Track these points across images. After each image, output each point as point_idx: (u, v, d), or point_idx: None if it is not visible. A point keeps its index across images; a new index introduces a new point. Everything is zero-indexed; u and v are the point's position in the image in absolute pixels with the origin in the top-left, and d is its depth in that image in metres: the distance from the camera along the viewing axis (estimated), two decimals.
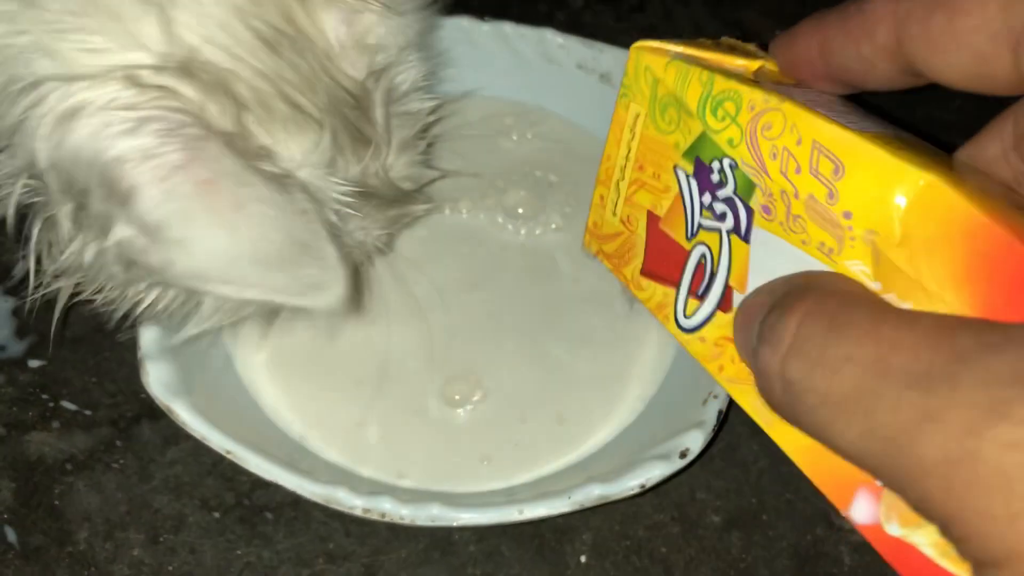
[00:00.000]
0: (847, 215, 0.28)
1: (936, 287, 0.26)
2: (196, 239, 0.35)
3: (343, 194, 0.41)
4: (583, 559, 0.53)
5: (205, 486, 0.53)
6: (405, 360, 0.54)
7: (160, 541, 0.52)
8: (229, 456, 0.44)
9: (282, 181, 0.38)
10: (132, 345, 0.48)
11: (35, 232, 0.41)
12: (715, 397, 0.47)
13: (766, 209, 0.31)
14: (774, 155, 0.30)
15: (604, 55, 0.59)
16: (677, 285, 0.37)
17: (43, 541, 0.51)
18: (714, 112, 0.33)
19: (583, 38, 0.60)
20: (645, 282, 0.39)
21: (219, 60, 0.36)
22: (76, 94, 0.34)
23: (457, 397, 0.53)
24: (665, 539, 0.54)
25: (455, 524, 0.44)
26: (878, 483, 0.27)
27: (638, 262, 0.39)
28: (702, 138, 0.34)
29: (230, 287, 0.36)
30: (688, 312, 0.36)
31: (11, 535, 0.51)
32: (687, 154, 0.35)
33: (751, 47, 0.39)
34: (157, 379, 0.45)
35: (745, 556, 0.54)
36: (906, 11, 0.30)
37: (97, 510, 0.52)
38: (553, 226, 0.58)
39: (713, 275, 0.34)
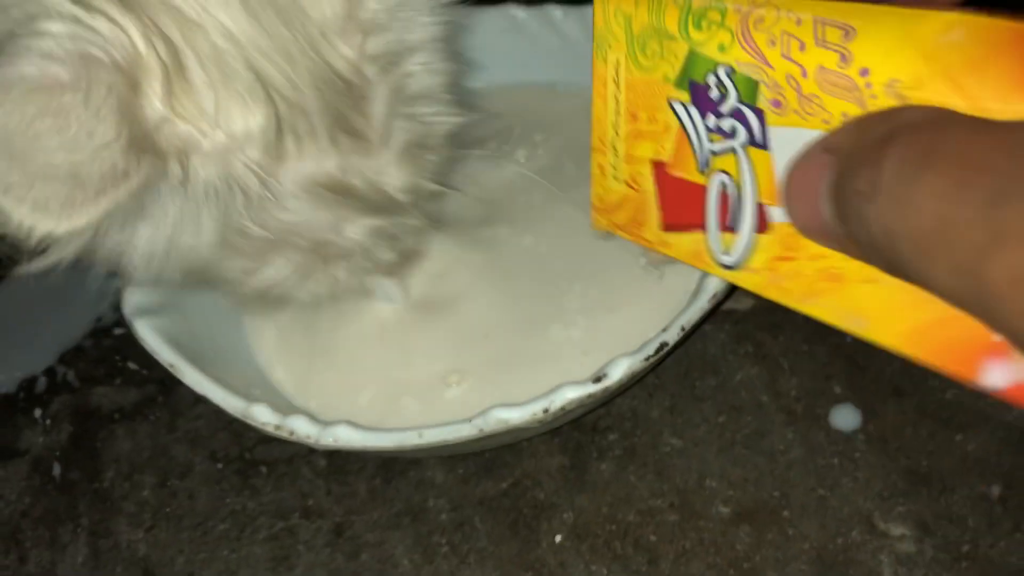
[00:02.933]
0: (864, 72, 0.26)
1: (1000, 103, 0.23)
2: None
3: (287, 181, 0.38)
4: (558, 539, 0.47)
5: (217, 439, 0.55)
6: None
7: (167, 485, 0.54)
8: (172, 370, 0.46)
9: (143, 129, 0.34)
10: None
11: None
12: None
13: (776, 104, 0.29)
14: (772, 42, 0.29)
15: None
16: (703, 227, 0.34)
17: (78, 477, 0.56)
18: (697, 26, 0.31)
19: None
20: (671, 237, 0.36)
21: (185, 8, 0.34)
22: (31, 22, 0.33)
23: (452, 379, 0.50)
24: (658, 527, 0.46)
25: (356, 446, 0.41)
26: (996, 339, 0.24)
27: (655, 219, 0.37)
28: (691, 57, 0.32)
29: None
30: (726, 248, 0.33)
31: (56, 469, 0.56)
32: (679, 82, 0.33)
33: None
34: (132, 302, 0.48)
35: (752, 555, 0.44)
36: None
37: (126, 454, 0.56)
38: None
39: (740, 200, 0.32)
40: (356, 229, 0.42)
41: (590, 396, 0.39)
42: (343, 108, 0.38)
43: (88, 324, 0.64)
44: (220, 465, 0.54)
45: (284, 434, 0.43)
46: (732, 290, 0.45)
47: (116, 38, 0.33)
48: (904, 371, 0.49)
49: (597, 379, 0.39)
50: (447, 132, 0.44)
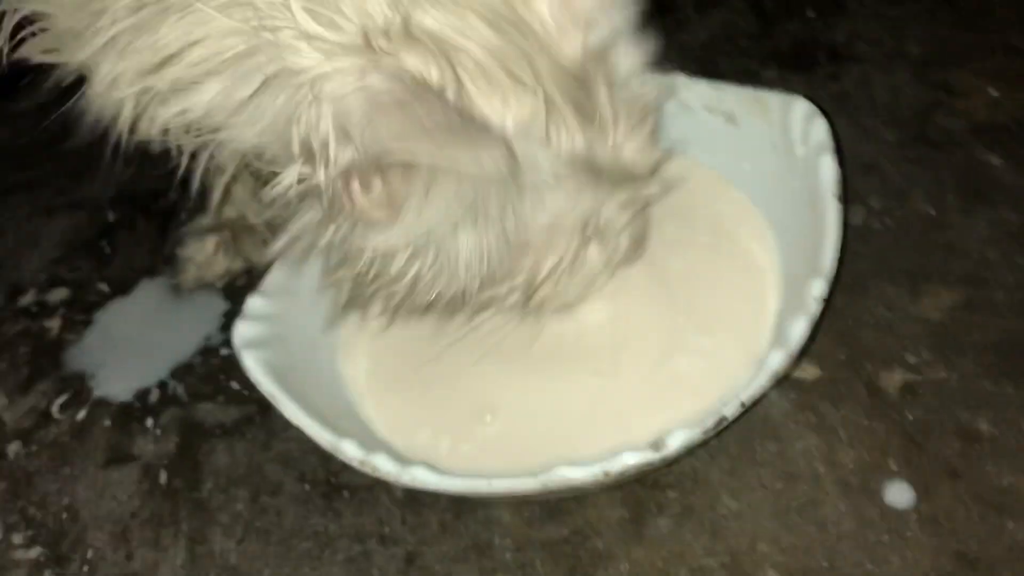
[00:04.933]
0: None
1: None
2: (383, 123, 0.39)
3: (553, 165, 0.44)
4: None
5: (306, 462, 0.60)
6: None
7: (258, 501, 0.59)
8: (271, 399, 0.51)
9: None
10: None
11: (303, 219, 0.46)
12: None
13: None
14: None
15: (727, 95, 0.59)
16: None
17: (181, 485, 0.61)
18: None
19: (709, 80, 0.60)
20: None
21: (448, 36, 0.41)
22: (322, 67, 0.40)
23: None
24: None
25: (430, 487, 0.45)
26: None
27: None
28: None
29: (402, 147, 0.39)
30: None
31: (163, 477, 0.62)
32: None
33: None
34: (241, 335, 0.53)
35: None
36: None
37: (224, 468, 0.61)
38: None
39: None
40: (611, 206, 0.49)
41: (648, 463, 0.42)
42: (578, 97, 0.44)
43: (198, 343, 0.70)
44: (307, 486, 0.59)
45: (368, 469, 0.47)
46: (795, 364, 0.47)
47: (410, 68, 0.41)
48: (962, 453, 0.50)
49: (656, 447, 0.42)
50: (654, 102, 0.49)
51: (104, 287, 0.76)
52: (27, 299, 0.77)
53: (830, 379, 0.55)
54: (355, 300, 0.49)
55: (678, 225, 0.58)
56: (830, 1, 0.79)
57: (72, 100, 0.49)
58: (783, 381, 0.54)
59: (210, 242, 0.73)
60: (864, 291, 0.58)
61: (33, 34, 0.48)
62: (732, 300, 0.55)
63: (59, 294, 0.77)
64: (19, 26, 0.48)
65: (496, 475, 0.44)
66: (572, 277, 0.50)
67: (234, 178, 0.60)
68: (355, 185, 0.41)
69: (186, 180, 0.53)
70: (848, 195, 0.55)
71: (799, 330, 0.46)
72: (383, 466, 0.46)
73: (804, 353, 0.52)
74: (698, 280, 0.56)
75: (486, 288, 0.48)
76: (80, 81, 0.52)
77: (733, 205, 0.60)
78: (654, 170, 0.51)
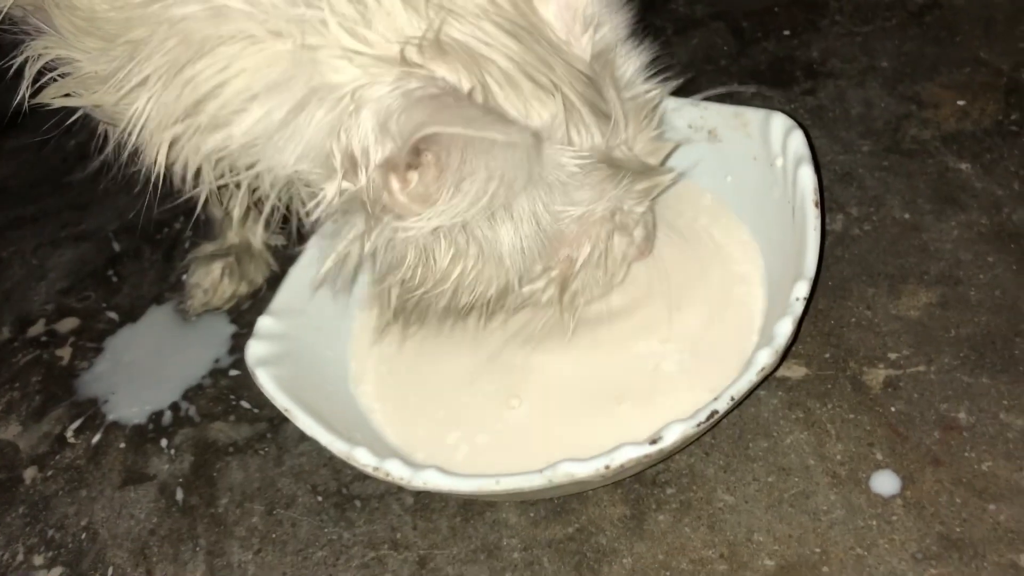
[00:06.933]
0: None
1: None
2: (418, 109, 0.42)
3: (577, 162, 0.47)
4: None
5: (318, 475, 0.62)
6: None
7: (273, 513, 0.61)
8: (286, 414, 0.53)
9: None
10: None
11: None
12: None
13: None
14: None
15: (709, 112, 0.62)
16: None
17: (197, 502, 0.63)
18: None
19: (692, 99, 0.64)
20: None
21: (474, 46, 0.44)
22: (362, 79, 0.43)
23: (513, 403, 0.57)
24: (708, 575, 0.51)
25: (443, 489, 0.47)
26: None
27: None
28: None
29: (436, 127, 0.41)
30: None
31: (179, 494, 0.64)
32: None
33: None
34: (253, 354, 0.56)
35: None
36: None
37: (238, 484, 0.64)
38: None
39: None
40: (631, 197, 0.52)
41: (647, 456, 0.45)
42: (591, 97, 0.48)
43: (208, 365, 0.72)
44: (320, 498, 0.61)
45: (381, 475, 0.49)
46: (780, 363, 0.50)
47: (442, 79, 0.44)
48: (943, 442, 0.53)
49: (653, 441, 0.45)
50: (659, 102, 0.53)
51: (113, 315, 0.78)
52: (37, 329, 0.79)
53: (816, 377, 0.58)
54: (401, 308, 0.52)
55: (665, 237, 0.61)
56: (804, 20, 0.82)
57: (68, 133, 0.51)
58: (771, 380, 0.57)
59: (216, 268, 0.76)
60: (846, 293, 0.61)
61: (54, 79, 0.50)
62: (720, 306, 0.58)
63: (68, 324, 0.79)
64: (39, 71, 0.50)
65: (503, 474, 0.47)
66: (601, 268, 0.54)
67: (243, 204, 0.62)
68: (393, 180, 0.44)
69: (190, 209, 0.55)
70: (827, 203, 0.58)
71: (785, 329, 0.49)
72: (396, 471, 0.49)
73: (790, 352, 0.55)
74: (686, 287, 0.59)
75: (525, 283, 0.51)
76: (85, 117, 0.55)
77: (717, 216, 0.63)
78: (665, 161, 0.55)
